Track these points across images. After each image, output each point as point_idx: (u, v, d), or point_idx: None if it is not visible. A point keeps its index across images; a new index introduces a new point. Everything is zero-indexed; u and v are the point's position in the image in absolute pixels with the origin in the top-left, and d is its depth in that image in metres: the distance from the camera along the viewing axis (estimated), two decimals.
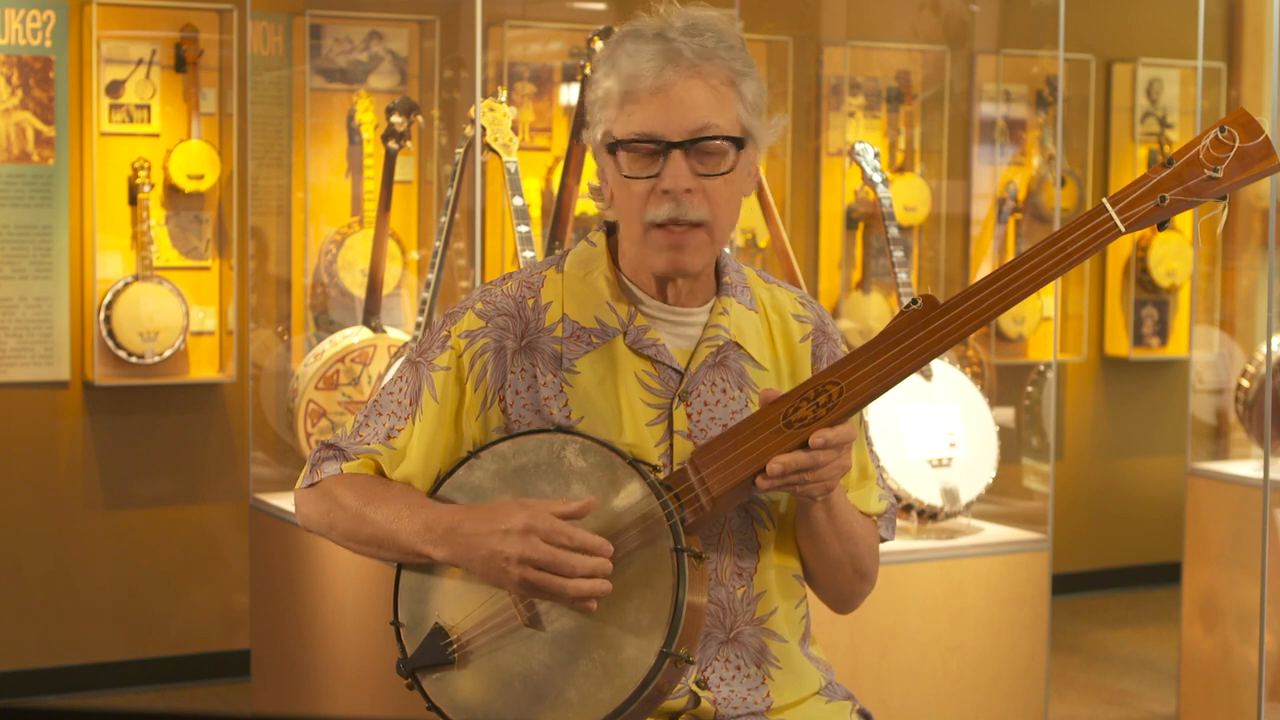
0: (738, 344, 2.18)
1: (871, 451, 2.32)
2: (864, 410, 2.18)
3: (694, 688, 2.13)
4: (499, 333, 2.15)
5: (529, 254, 3.84)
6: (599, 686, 2.01)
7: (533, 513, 2.02)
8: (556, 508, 2.02)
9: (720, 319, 2.18)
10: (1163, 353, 6.85)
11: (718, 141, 2.08)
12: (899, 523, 4.17)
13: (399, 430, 2.18)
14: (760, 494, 2.13)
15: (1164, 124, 6.78)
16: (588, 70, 2.27)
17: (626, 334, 2.15)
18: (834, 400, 2.03)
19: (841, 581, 2.23)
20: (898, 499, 4.11)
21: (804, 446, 2.02)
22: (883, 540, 2.29)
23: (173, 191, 5.34)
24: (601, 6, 5.68)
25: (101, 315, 5.21)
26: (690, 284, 2.17)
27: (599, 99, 2.12)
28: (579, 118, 4.13)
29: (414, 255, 5.20)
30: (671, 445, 2.13)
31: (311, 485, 2.23)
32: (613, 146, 2.11)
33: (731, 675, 2.15)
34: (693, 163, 2.08)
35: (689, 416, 2.14)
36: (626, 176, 2.09)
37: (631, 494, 2.04)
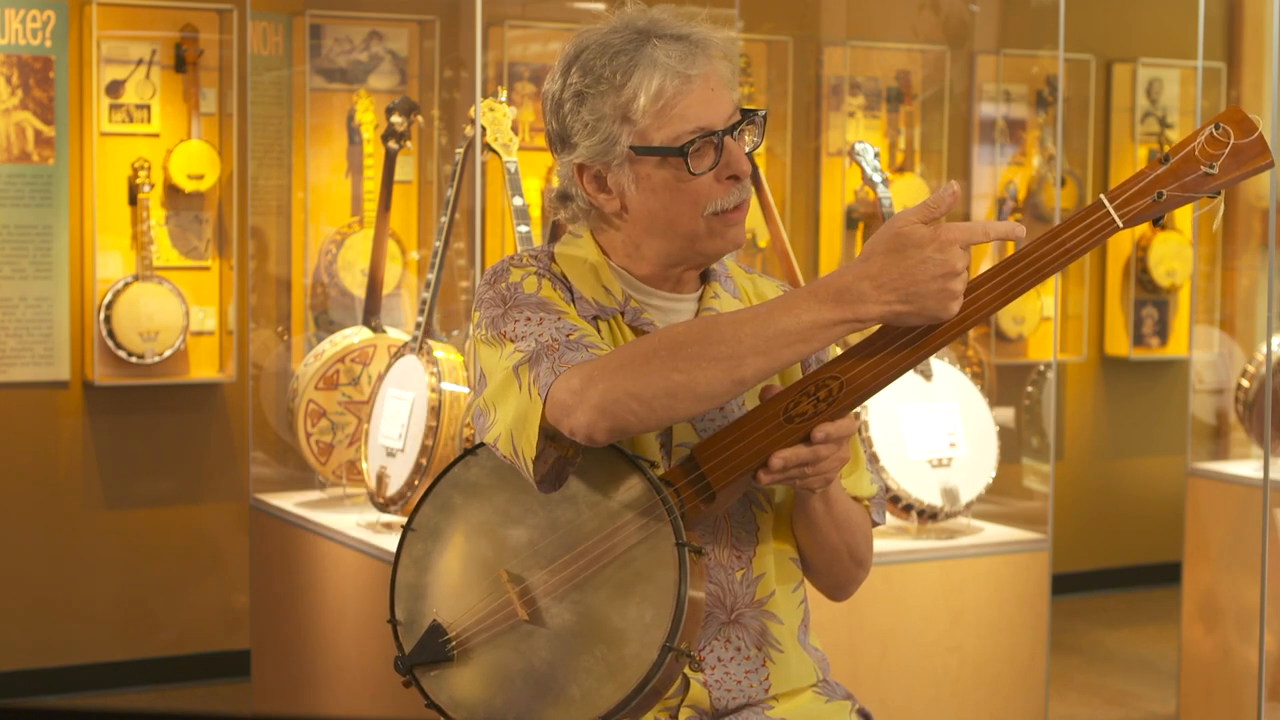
0: None
1: (862, 437, 2.33)
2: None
3: (686, 670, 2.13)
4: (547, 273, 2.16)
5: None
6: (601, 682, 2.01)
7: (928, 230, 1.94)
8: (916, 215, 1.96)
9: (712, 302, 2.20)
10: (1163, 353, 6.85)
11: (759, 119, 2.15)
12: (899, 522, 4.18)
13: (574, 326, 2.08)
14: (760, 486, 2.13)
15: (1164, 124, 6.78)
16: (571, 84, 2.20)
17: (624, 313, 2.16)
18: (834, 395, 2.03)
19: (839, 570, 2.25)
20: (897, 499, 4.11)
21: (804, 440, 2.03)
22: (875, 525, 2.30)
23: (173, 191, 5.34)
24: (601, 6, 5.68)
25: (101, 315, 5.21)
26: (690, 272, 2.19)
27: (618, 110, 2.09)
28: None
29: (414, 255, 5.20)
30: (671, 429, 2.14)
31: (580, 363, 2.00)
32: (648, 152, 2.10)
33: (730, 657, 2.15)
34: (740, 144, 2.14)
35: None
36: (694, 174, 2.09)
37: (632, 489, 2.05)
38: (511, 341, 2.07)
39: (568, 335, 2.05)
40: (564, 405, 1.97)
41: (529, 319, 2.09)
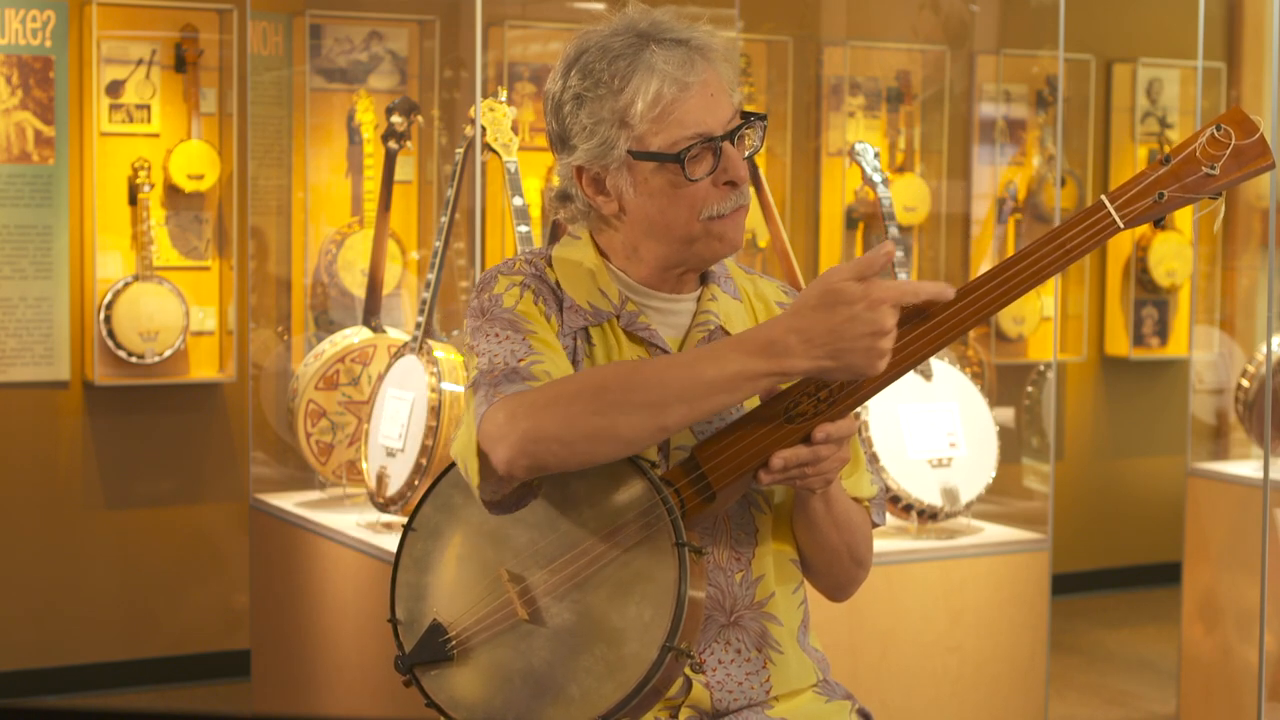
0: (726, 331, 2.19)
1: (862, 437, 2.33)
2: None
3: (688, 672, 2.13)
4: (535, 283, 2.16)
5: None
6: (601, 682, 2.01)
7: (860, 287, 1.93)
8: (849, 272, 1.95)
9: (710, 304, 2.20)
10: (1163, 353, 6.85)
11: (759, 123, 2.15)
12: (899, 523, 4.18)
13: (532, 349, 2.08)
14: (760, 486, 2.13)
15: (1164, 124, 6.78)
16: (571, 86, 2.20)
17: (620, 317, 2.16)
18: (834, 395, 2.04)
19: (839, 570, 2.25)
20: (897, 499, 4.11)
21: (805, 440, 2.03)
22: (875, 526, 2.30)
23: (173, 191, 5.34)
24: (601, 6, 5.68)
25: (101, 315, 5.21)
26: (688, 274, 2.19)
27: (616, 114, 2.09)
28: None
29: (414, 255, 5.20)
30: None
31: (512, 393, 2.00)
32: (646, 157, 2.10)
33: (730, 659, 2.16)
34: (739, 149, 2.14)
35: None
36: (692, 180, 2.09)
37: (632, 489, 2.05)
38: (477, 357, 2.09)
39: (519, 361, 2.05)
40: (490, 437, 1.98)
41: (495, 336, 2.10)
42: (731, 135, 2.12)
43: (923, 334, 2.03)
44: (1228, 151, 2.00)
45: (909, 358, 2.04)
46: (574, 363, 2.14)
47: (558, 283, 2.18)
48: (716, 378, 1.95)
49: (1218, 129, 2.00)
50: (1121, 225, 2.00)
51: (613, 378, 1.98)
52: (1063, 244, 2.01)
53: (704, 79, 2.10)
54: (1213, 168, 2.00)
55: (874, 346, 1.94)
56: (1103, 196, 2.01)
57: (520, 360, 2.05)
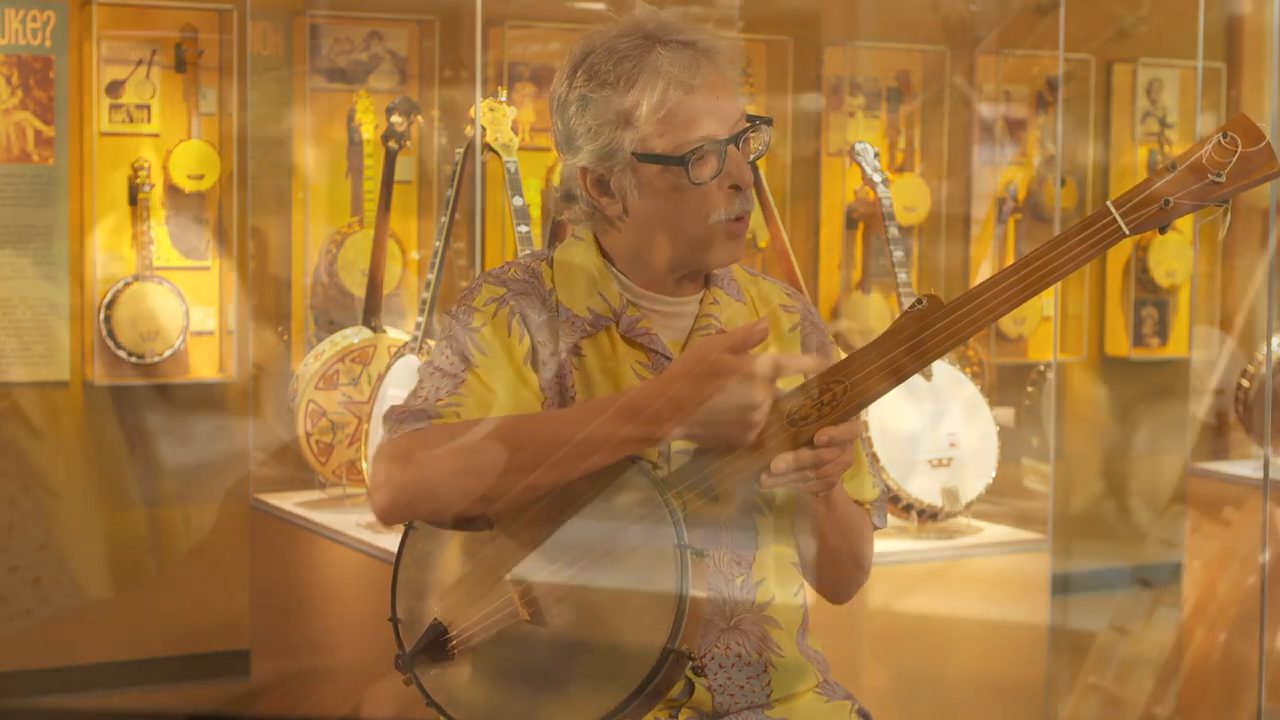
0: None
1: (861, 437, 2.33)
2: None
3: (690, 674, 2.13)
4: (519, 298, 2.16)
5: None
6: (601, 683, 2.01)
7: (734, 360, 1.96)
8: (725, 344, 1.98)
9: (712, 308, 2.20)
10: (1163, 353, 6.85)
11: (764, 128, 2.15)
12: (899, 522, 4.18)
13: (460, 386, 2.09)
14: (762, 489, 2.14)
15: (1164, 124, 6.78)
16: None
17: (619, 322, 2.16)
18: (838, 399, 2.04)
19: (839, 573, 2.26)
20: (897, 499, 4.11)
21: (808, 444, 2.04)
22: (876, 528, 2.31)
23: (173, 191, 5.34)
24: (601, 6, 5.68)
25: (101, 315, 5.21)
26: (692, 276, 2.19)
27: (621, 116, 2.10)
28: None
29: (414, 255, 5.20)
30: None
31: (403, 435, 2.04)
32: (650, 159, 2.10)
33: (731, 663, 2.16)
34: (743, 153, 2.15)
35: None
36: (696, 183, 2.09)
37: (634, 491, 2.05)
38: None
39: (436, 400, 2.06)
40: (374, 479, 2.03)
41: (441, 357, 2.12)
42: (737, 139, 2.12)
43: (927, 338, 2.03)
44: (1234, 159, 2.00)
45: (914, 360, 2.04)
46: (560, 376, 2.14)
47: (553, 291, 2.17)
48: (587, 442, 1.99)
49: (1224, 136, 2.00)
50: (1127, 231, 2.01)
51: (490, 438, 2.01)
52: (1067, 249, 2.01)
53: (710, 82, 2.10)
54: (1219, 175, 2.00)
55: (744, 419, 1.98)
56: (1108, 203, 2.01)
57: (438, 399, 2.07)
